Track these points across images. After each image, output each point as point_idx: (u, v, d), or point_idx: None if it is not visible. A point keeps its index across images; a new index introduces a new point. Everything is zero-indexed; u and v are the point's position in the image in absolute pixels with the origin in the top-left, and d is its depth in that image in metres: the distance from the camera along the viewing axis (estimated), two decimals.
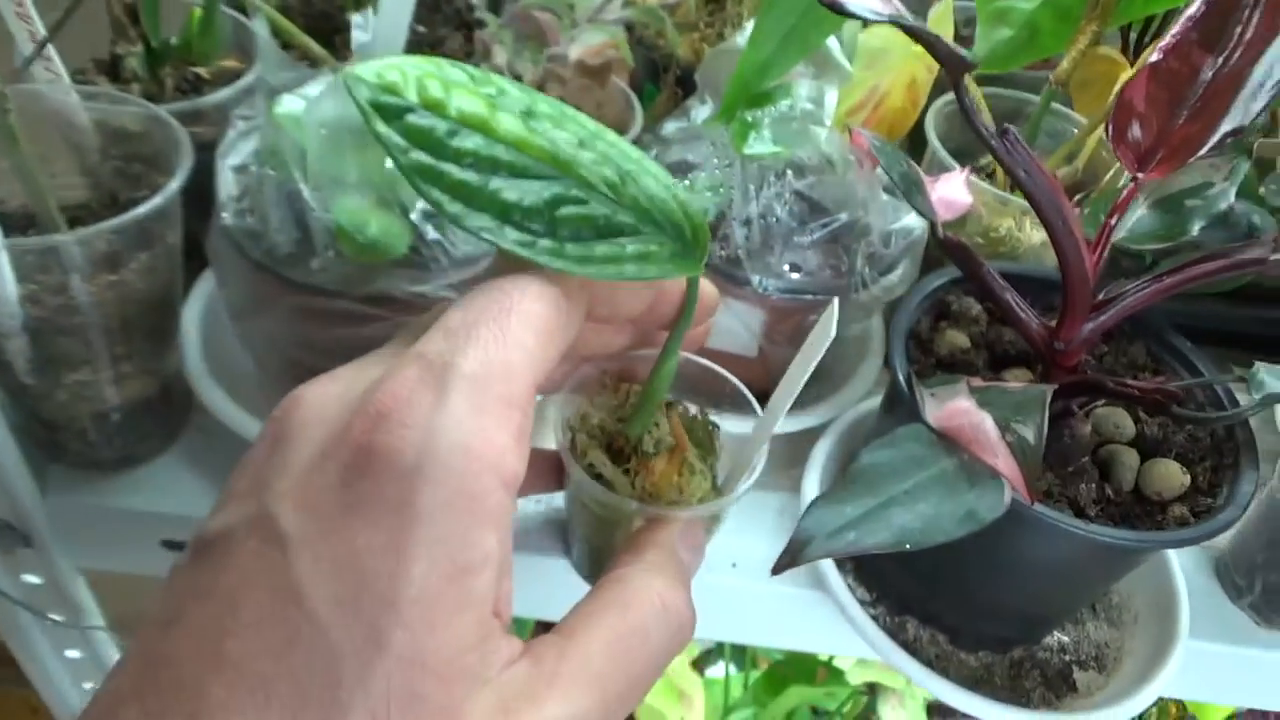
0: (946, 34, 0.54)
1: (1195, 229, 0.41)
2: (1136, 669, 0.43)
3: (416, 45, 0.56)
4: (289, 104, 0.39)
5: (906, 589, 0.44)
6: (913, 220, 0.46)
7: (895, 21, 0.30)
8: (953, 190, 0.40)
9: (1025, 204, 0.51)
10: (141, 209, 0.38)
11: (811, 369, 0.33)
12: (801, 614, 0.46)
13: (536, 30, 0.55)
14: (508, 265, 0.29)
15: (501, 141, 0.27)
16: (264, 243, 0.39)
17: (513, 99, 0.28)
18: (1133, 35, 0.66)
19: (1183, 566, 0.50)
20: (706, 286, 0.32)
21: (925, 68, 0.55)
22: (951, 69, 0.32)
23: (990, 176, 0.55)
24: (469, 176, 0.27)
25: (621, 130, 0.57)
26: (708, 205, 0.44)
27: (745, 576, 0.46)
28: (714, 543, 0.44)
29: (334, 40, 0.55)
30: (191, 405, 0.47)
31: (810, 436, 0.49)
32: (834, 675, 0.80)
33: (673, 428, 0.37)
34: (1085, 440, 0.38)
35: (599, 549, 0.41)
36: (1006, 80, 0.61)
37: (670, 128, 0.50)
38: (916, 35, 0.32)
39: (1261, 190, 0.42)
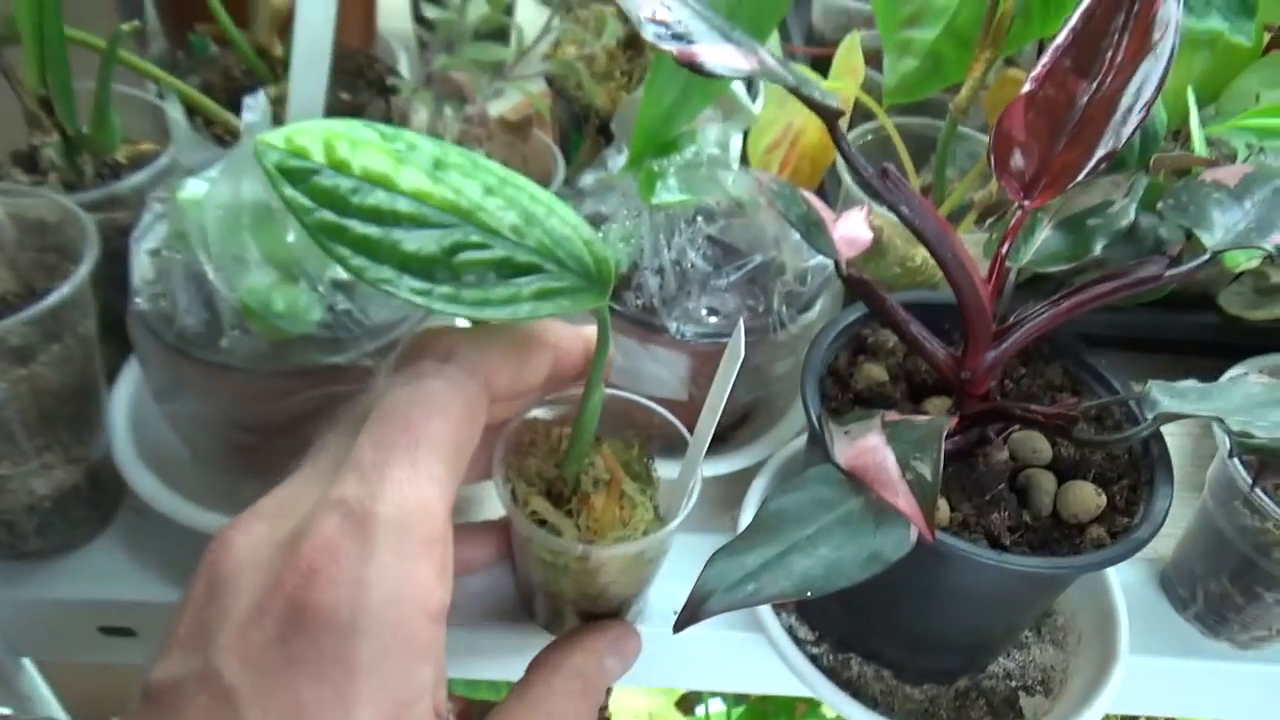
0: (856, 66, 0.55)
1: (1098, 248, 0.42)
2: (1081, 690, 0.43)
3: (339, 112, 0.57)
4: (192, 187, 0.39)
5: (846, 626, 0.43)
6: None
7: (758, 77, 0.31)
8: (854, 228, 0.41)
9: None
10: (48, 301, 0.38)
11: (729, 389, 0.34)
12: (744, 657, 0.45)
13: (456, 90, 0.56)
14: (427, 336, 0.30)
15: (404, 194, 0.29)
16: (175, 325, 0.40)
17: (422, 153, 0.29)
18: None
19: (1130, 581, 0.51)
20: (595, 338, 0.33)
21: (839, 101, 0.56)
22: (823, 116, 0.33)
23: None
24: (371, 231, 0.28)
25: (545, 183, 0.57)
26: (619, 256, 0.44)
27: None
28: (654, 590, 0.45)
29: None
30: (124, 487, 0.47)
31: (746, 477, 0.49)
32: (812, 708, 0.80)
33: (605, 460, 0.38)
34: (1000, 467, 0.39)
35: (555, 595, 0.41)
36: (931, 107, 0.62)
37: (588, 179, 0.50)
38: (788, 87, 0.32)
39: (1159, 206, 0.42)
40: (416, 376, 0.28)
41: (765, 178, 0.40)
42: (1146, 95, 0.34)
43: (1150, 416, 0.33)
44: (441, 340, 0.29)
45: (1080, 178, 0.35)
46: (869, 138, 0.56)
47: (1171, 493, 0.38)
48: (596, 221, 0.46)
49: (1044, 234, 0.43)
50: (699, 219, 0.45)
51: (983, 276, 0.37)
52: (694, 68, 0.30)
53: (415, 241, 0.28)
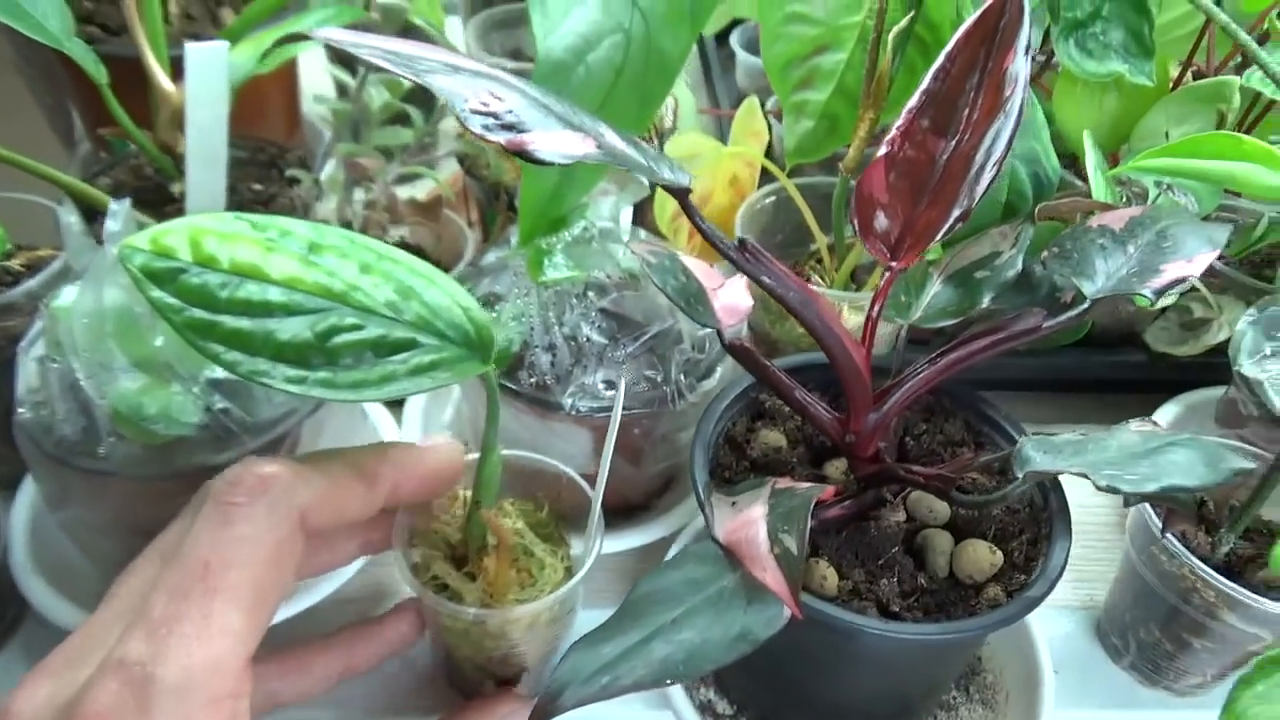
0: (758, 129, 0.55)
1: (986, 299, 0.41)
2: None
3: (250, 204, 0.58)
4: (66, 294, 0.39)
5: (763, 699, 0.42)
6: None
7: (598, 161, 0.31)
8: (735, 295, 0.40)
9: (841, 293, 0.52)
10: None
11: (613, 441, 0.37)
12: None
13: (365, 175, 0.57)
14: (242, 470, 0.30)
15: (275, 283, 0.29)
16: (55, 434, 0.39)
17: (295, 238, 0.30)
18: None
19: (1064, 631, 0.49)
20: (442, 457, 0.33)
21: (745, 163, 0.56)
22: (673, 194, 0.33)
23: (820, 263, 0.55)
24: (243, 324, 0.28)
25: (457, 262, 0.58)
26: (512, 335, 0.44)
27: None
28: None
29: (166, 210, 0.57)
30: (24, 600, 0.46)
31: (664, 548, 0.48)
32: None
33: (489, 525, 0.38)
34: (893, 529, 0.38)
35: (466, 660, 0.41)
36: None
37: (490, 257, 0.50)
38: (631, 168, 0.32)
39: (1043, 256, 0.42)
40: (223, 517, 0.27)
41: (642, 249, 0.40)
42: (997, 153, 0.34)
43: (1020, 475, 0.32)
44: (254, 476, 0.29)
45: (939, 237, 0.35)
46: (771, 199, 0.56)
47: (1069, 547, 0.37)
48: (492, 301, 0.46)
49: (934, 289, 0.43)
50: (590, 293, 0.45)
51: (856, 339, 0.36)
52: (525, 156, 0.30)
53: (289, 330, 0.29)
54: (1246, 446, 0.33)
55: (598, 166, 0.46)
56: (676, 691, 0.42)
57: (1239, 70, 0.58)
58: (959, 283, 0.43)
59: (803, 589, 0.35)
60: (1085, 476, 0.31)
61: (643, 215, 0.59)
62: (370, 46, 0.29)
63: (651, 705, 0.44)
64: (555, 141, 0.30)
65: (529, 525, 0.42)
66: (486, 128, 0.30)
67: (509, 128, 0.30)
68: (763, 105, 0.58)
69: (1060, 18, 0.55)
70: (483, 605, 0.37)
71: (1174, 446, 0.33)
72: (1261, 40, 0.58)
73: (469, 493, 0.40)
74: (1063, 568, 0.36)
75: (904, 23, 0.43)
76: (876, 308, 0.37)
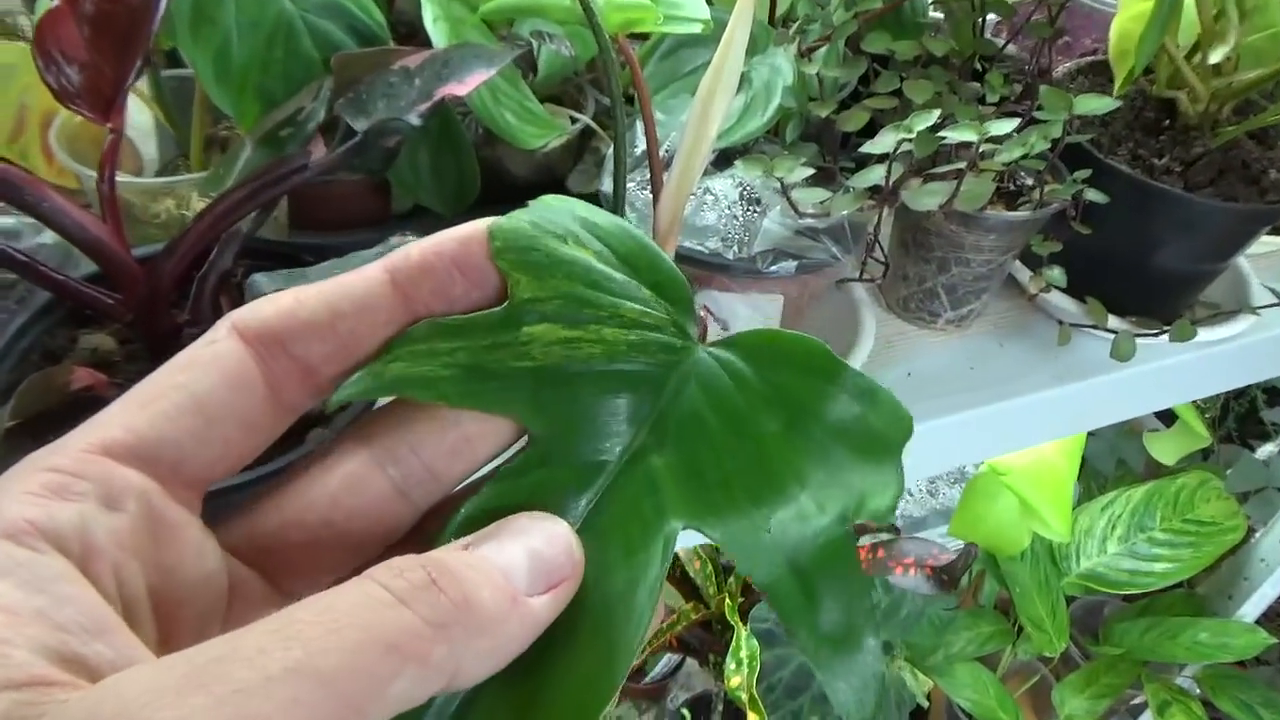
0: None
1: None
2: None
3: None
4: None
5: None
6: None
7: None
8: None
9: (181, 178, 0.49)
10: None
11: None
12: None
13: None
14: None
15: None
16: None
17: None
18: None
19: None
20: None
21: None
22: None
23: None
24: None
25: None
26: None
27: None
28: None
29: None
30: None
31: None
32: None
33: None
34: None
35: None
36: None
37: None
38: None
39: (338, 102, 0.42)
40: None
41: None
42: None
43: (249, 299, 0.32)
44: None
45: (129, 82, 0.33)
46: None
47: None
48: None
49: (246, 154, 0.42)
50: None
51: (96, 216, 0.34)
52: None
53: None
54: None
55: None
56: None
57: None
58: (267, 144, 0.42)
59: None
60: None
61: None
62: None
63: None
64: None
65: None
66: None
67: None
68: None
69: None
70: None
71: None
72: None
73: None
74: None
75: None
76: (106, 173, 0.35)
